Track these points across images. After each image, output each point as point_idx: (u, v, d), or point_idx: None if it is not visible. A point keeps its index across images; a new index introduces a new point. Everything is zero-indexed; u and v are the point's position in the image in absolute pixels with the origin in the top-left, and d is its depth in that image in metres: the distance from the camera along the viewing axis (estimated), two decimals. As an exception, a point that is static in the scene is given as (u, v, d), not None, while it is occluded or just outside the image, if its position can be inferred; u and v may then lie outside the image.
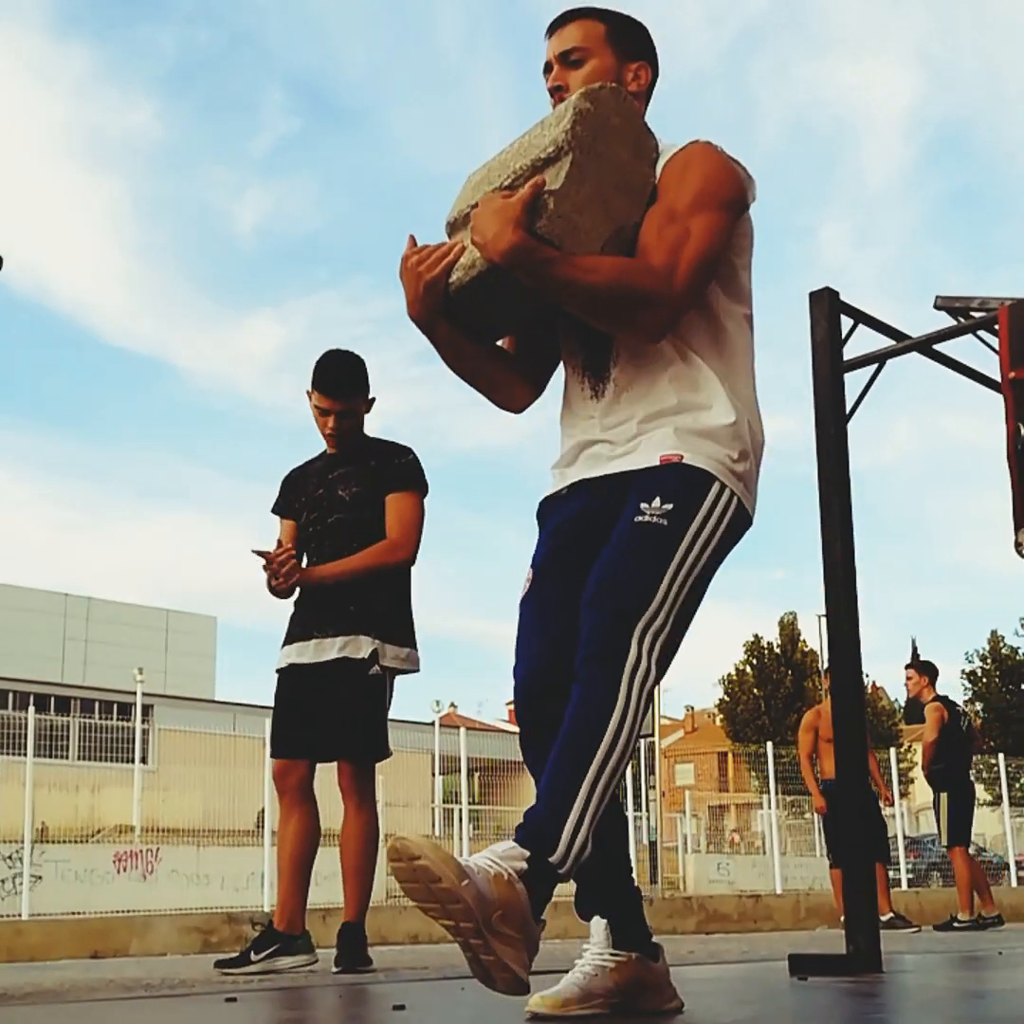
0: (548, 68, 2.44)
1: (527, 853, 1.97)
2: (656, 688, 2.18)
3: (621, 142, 2.28)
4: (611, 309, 2.23)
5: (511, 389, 2.50)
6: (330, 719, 4.35)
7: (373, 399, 4.53)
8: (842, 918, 10.42)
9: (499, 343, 2.51)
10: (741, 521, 2.30)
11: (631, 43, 2.44)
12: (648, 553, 2.18)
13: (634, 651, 2.09)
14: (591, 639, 2.12)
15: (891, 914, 9.45)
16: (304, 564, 4.49)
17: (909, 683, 9.86)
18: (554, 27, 2.44)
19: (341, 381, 4.42)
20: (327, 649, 4.35)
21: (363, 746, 4.36)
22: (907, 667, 10.05)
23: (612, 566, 2.18)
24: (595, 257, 2.19)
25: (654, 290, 2.18)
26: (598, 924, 2.37)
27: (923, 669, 9.90)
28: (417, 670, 4.48)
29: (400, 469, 4.44)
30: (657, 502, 2.21)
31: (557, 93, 2.40)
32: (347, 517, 4.42)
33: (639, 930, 2.38)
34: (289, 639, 4.47)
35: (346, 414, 4.43)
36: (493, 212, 2.16)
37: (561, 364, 2.51)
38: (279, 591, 4.31)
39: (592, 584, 2.19)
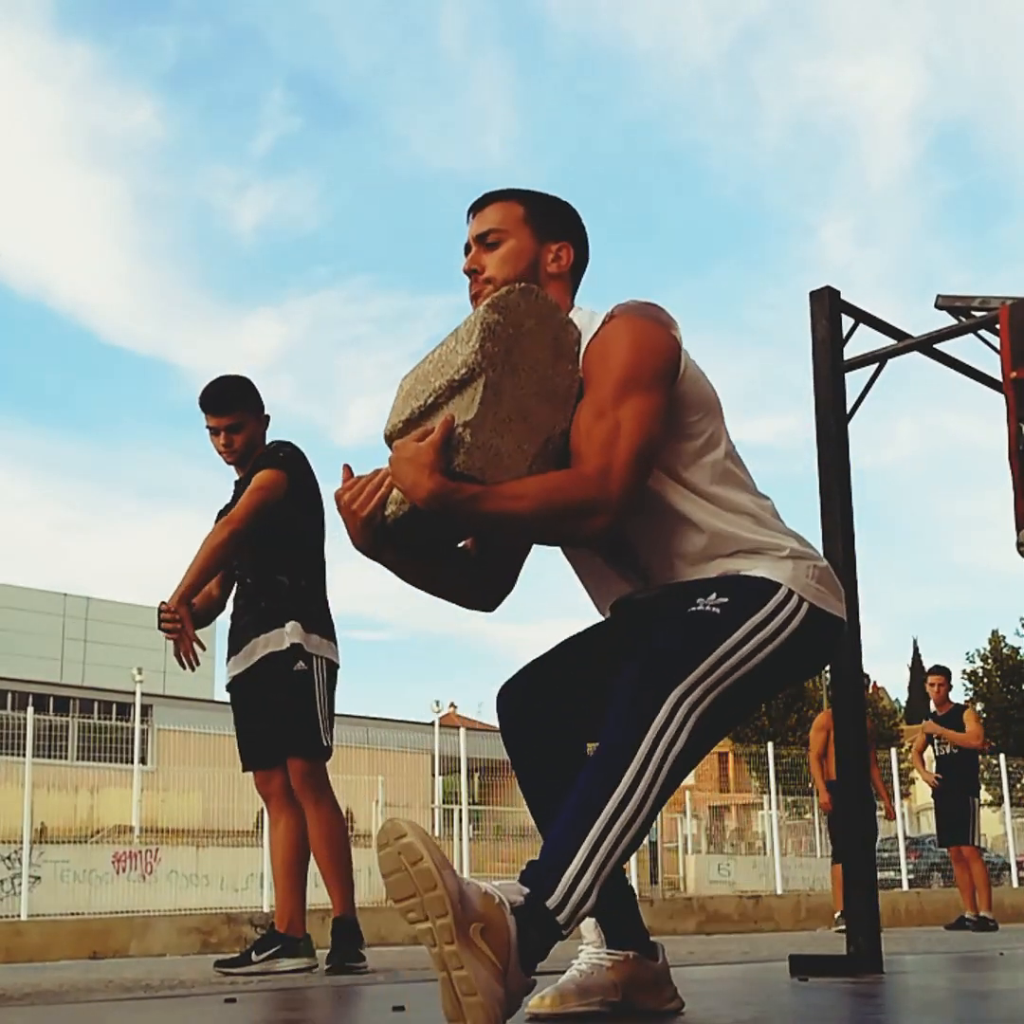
0: (467, 250, 2.39)
1: (525, 890, 1.90)
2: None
3: (538, 345, 2.14)
4: (547, 529, 2.15)
5: (479, 592, 2.41)
6: (267, 722, 4.42)
7: (267, 416, 4.64)
8: (837, 914, 10.55)
9: (460, 545, 2.41)
10: (822, 628, 2.18)
11: (551, 223, 2.37)
12: (695, 634, 2.07)
13: (664, 713, 1.98)
14: (619, 700, 2.02)
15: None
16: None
17: (939, 690, 9.85)
18: (474, 209, 2.41)
19: (219, 398, 4.55)
20: (256, 651, 4.43)
21: (299, 744, 4.37)
22: (937, 673, 10.03)
23: (654, 638, 2.09)
24: (519, 482, 2.08)
25: (590, 498, 2.07)
26: (588, 924, 2.36)
27: (948, 676, 9.99)
28: (337, 663, 4.48)
29: (263, 457, 4.50)
30: (713, 596, 2.12)
31: (473, 275, 2.34)
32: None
33: (635, 928, 2.37)
34: (229, 653, 4.56)
35: (233, 429, 4.54)
36: (406, 461, 2.08)
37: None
38: (184, 635, 4.22)
39: (629, 655, 2.09)
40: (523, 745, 2.29)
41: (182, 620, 4.19)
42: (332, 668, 4.46)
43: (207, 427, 4.58)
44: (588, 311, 2.29)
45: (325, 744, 4.40)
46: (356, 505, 2.22)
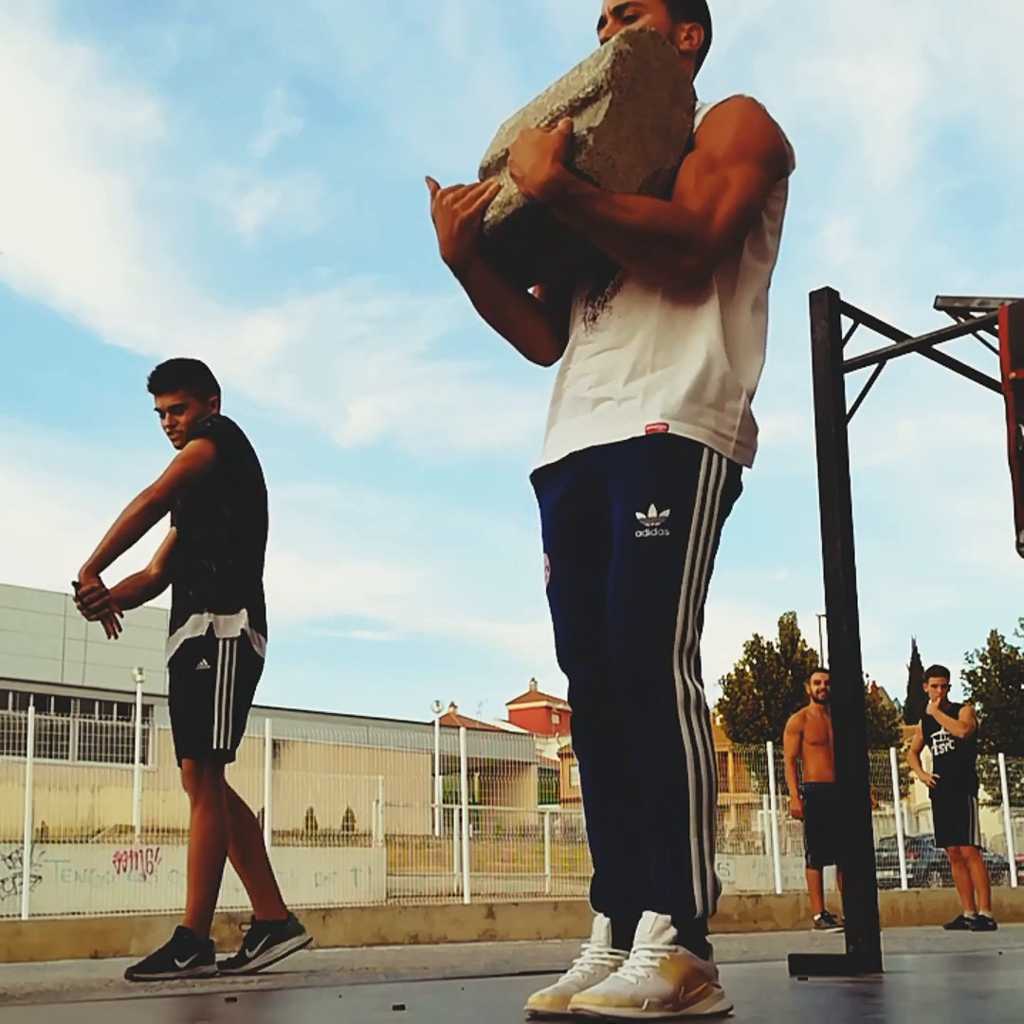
0: (602, 22, 2.44)
1: (668, 917, 2.06)
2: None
3: (660, 85, 2.26)
4: (646, 249, 2.20)
5: (539, 340, 2.48)
6: (174, 713, 4.35)
7: (215, 400, 4.52)
8: (816, 917, 10.58)
9: (530, 291, 2.48)
10: (735, 479, 2.29)
11: (686, 3, 2.45)
12: (660, 571, 2.15)
13: (679, 683, 2.07)
14: (634, 681, 2.10)
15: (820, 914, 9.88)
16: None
17: (939, 690, 9.85)
18: None
19: (159, 378, 4.49)
20: (180, 637, 4.31)
21: (189, 744, 4.26)
22: (938, 674, 10.03)
23: (628, 592, 2.16)
24: (633, 196, 2.17)
25: (690, 234, 2.17)
26: (600, 923, 2.36)
27: (948, 676, 10.03)
28: (262, 657, 4.32)
29: (190, 429, 4.43)
30: (653, 511, 2.17)
31: None
32: (179, 506, 4.42)
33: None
34: (167, 638, 4.42)
35: (175, 410, 4.47)
36: (531, 144, 2.15)
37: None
38: (102, 612, 4.12)
39: (612, 612, 2.16)
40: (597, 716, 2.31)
41: (97, 591, 4.05)
42: (251, 663, 4.25)
43: (155, 410, 4.51)
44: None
45: (219, 746, 4.23)
46: (459, 205, 2.27)
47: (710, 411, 2.22)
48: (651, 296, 2.28)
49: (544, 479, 2.40)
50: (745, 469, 2.33)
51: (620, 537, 2.20)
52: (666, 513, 2.16)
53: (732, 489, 2.28)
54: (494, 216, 2.27)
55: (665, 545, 2.15)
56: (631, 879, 2.27)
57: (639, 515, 2.17)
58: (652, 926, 2.07)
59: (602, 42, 2.41)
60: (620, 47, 2.22)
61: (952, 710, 9.81)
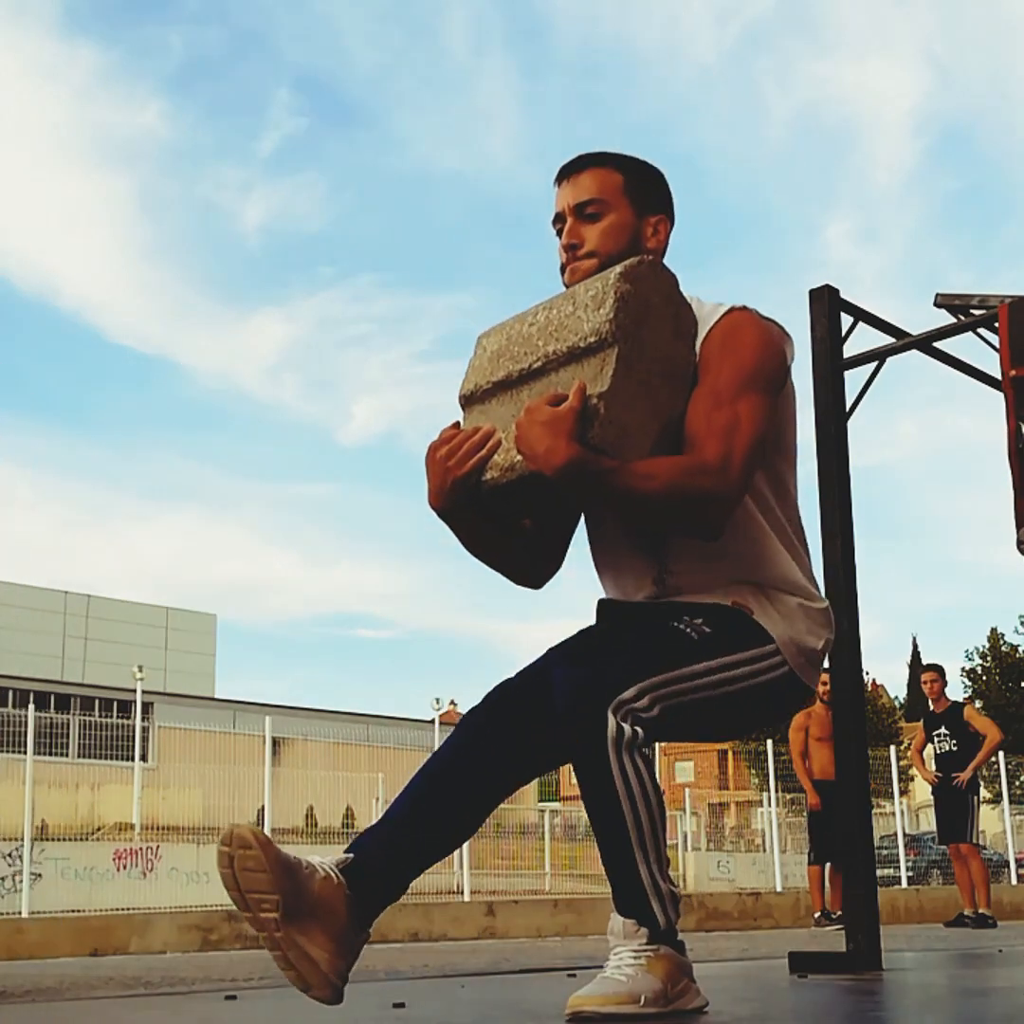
0: (559, 219, 2.28)
1: (647, 930, 2.08)
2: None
3: (662, 323, 2.10)
4: (669, 513, 2.09)
5: (533, 568, 2.36)
6: None
7: None
8: (816, 914, 10.61)
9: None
10: (791, 692, 2.22)
11: (649, 195, 2.29)
12: (660, 649, 2.10)
13: (612, 724, 2.00)
14: (568, 715, 2.04)
15: (819, 912, 9.91)
16: None
17: (934, 686, 9.86)
18: (568, 173, 2.29)
19: None
20: None
21: None
22: (930, 670, 10.05)
23: (615, 644, 2.11)
24: (650, 462, 2.04)
25: (714, 489, 2.05)
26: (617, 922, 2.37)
27: (942, 673, 10.02)
28: None
29: None
30: (700, 621, 2.14)
31: (572, 250, 2.24)
32: None
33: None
34: None
35: None
36: (542, 424, 1.99)
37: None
38: None
39: (587, 656, 2.11)
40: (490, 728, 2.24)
41: None
42: None
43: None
44: (693, 297, 2.23)
45: None
46: (453, 462, 2.12)
47: (801, 629, 2.22)
48: (714, 554, 2.22)
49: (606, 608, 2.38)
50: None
51: (655, 621, 2.18)
52: (708, 630, 2.14)
53: (777, 691, 2.22)
54: (494, 478, 2.10)
55: (686, 641, 2.12)
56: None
57: (686, 616, 2.15)
58: (624, 928, 2.09)
59: (564, 247, 2.26)
60: (621, 289, 2.04)
61: (953, 710, 9.82)
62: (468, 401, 2.24)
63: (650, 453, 2.07)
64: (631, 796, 2.03)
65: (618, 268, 2.09)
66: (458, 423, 2.20)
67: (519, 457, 2.06)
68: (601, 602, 2.37)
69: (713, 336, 2.17)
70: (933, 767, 9.85)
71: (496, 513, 2.20)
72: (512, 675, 2.29)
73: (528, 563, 2.35)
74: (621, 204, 2.25)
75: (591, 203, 2.24)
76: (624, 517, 2.17)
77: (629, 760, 2.02)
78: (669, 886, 2.09)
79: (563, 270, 2.27)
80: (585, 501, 2.13)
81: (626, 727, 2.02)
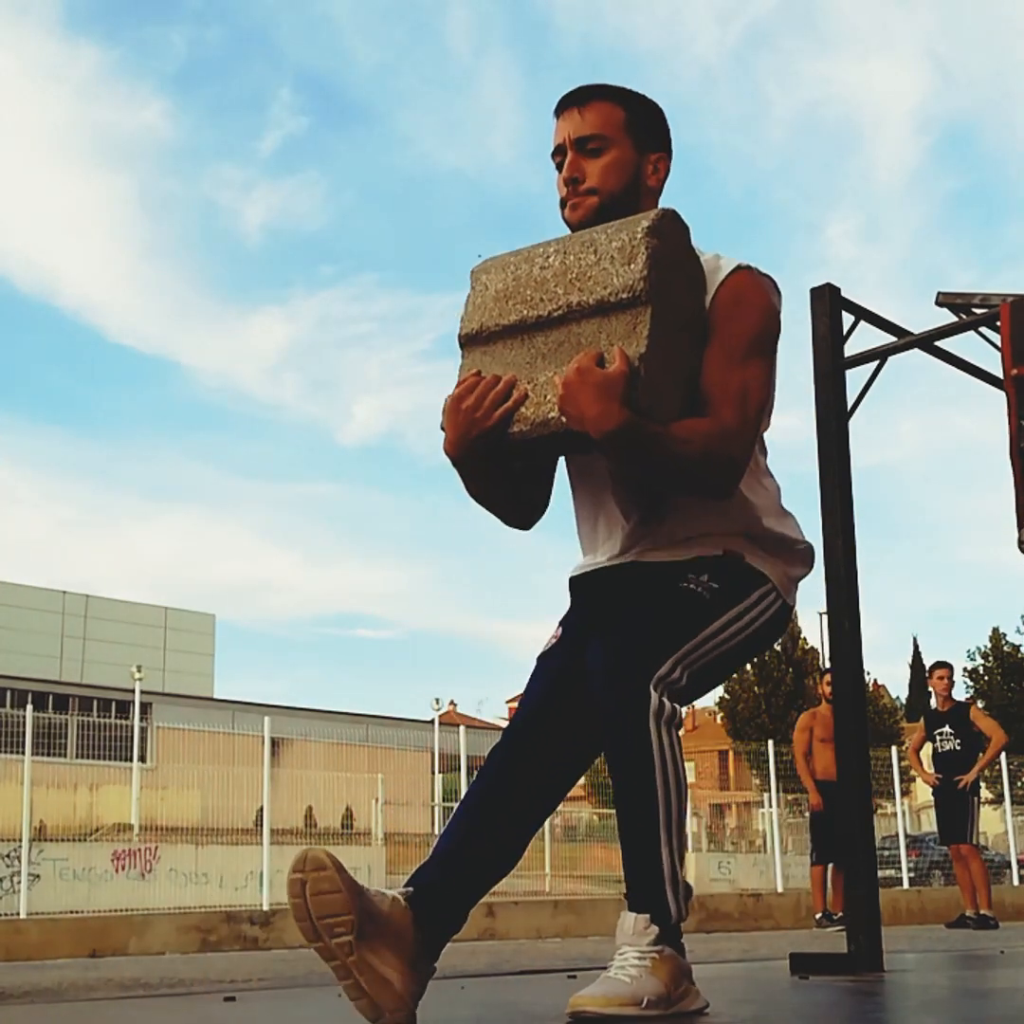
0: (559, 151, 2.23)
1: (648, 916, 2.07)
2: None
3: (680, 278, 2.06)
4: (695, 476, 2.09)
5: (526, 511, 2.37)
6: None
7: None
8: (817, 915, 10.61)
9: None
10: (784, 620, 2.31)
11: (651, 132, 2.24)
12: (680, 616, 2.14)
13: (654, 699, 2.05)
14: (610, 692, 2.07)
15: (821, 913, 9.89)
16: None
17: (945, 683, 9.84)
18: (569, 104, 2.23)
19: None
20: None
21: None
22: (942, 667, 10.00)
23: (640, 617, 2.15)
24: (683, 426, 2.03)
25: (736, 454, 2.08)
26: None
27: (953, 671, 10.03)
28: None
29: None
30: (705, 577, 2.18)
31: (573, 184, 2.20)
32: None
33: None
34: None
35: None
36: (593, 386, 1.95)
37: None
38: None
39: (617, 631, 2.13)
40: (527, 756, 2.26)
41: None
42: None
43: None
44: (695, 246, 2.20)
45: None
46: (480, 413, 2.07)
47: (783, 565, 2.32)
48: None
49: (584, 582, 2.40)
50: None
51: (661, 588, 2.20)
52: (715, 585, 2.18)
53: (775, 623, 2.31)
54: (523, 432, 2.04)
55: (698, 601, 2.17)
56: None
57: (690, 574, 2.18)
58: (634, 925, 2.08)
59: (564, 180, 2.21)
60: (652, 245, 1.99)
61: (958, 710, 9.80)
62: (471, 341, 2.16)
63: (681, 415, 2.06)
64: (666, 773, 2.05)
65: (645, 221, 2.04)
66: (479, 372, 2.12)
67: (553, 414, 2.01)
68: (589, 572, 2.35)
69: (723, 295, 2.15)
70: (932, 765, 9.82)
71: (508, 460, 2.17)
72: (516, 715, 2.31)
73: (522, 507, 2.36)
74: (623, 140, 2.21)
75: (593, 138, 2.20)
76: (649, 475, 2.13)
77: (667, 736, 2.06)
78: (685, 877, 2.11)
79: (563, 205, 2.24)
80: (621, 462, 2.09)
81: (666, 703, 2.06)
